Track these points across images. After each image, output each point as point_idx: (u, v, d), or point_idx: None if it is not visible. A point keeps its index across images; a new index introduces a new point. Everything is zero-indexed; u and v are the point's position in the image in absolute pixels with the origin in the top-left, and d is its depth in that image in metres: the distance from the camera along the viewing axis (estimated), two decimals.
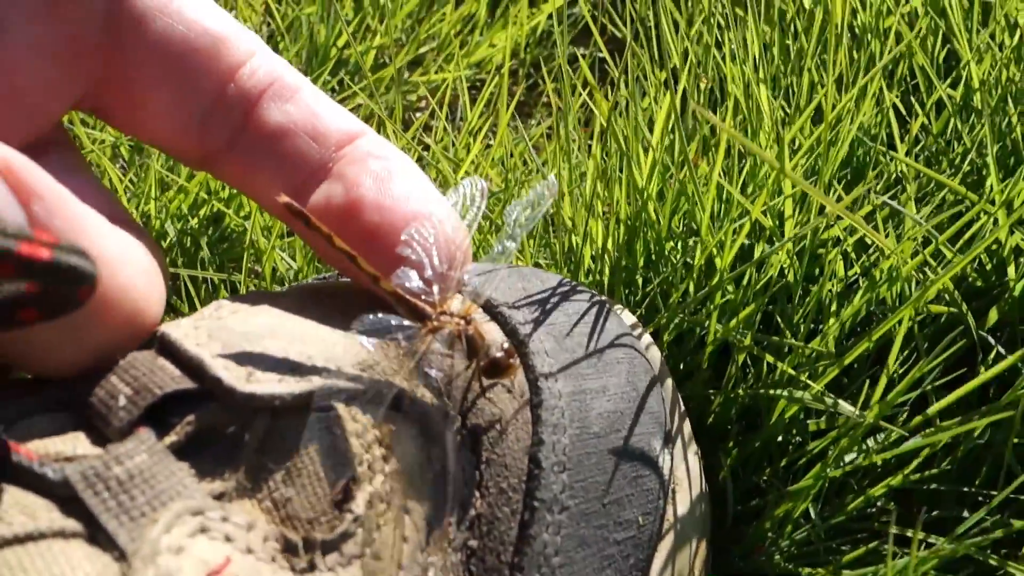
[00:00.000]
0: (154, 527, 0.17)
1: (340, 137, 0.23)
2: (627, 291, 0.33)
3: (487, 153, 0.39)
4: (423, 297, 0.22)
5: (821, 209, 0.30)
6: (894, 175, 0.35)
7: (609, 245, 0.32)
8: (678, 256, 0.33)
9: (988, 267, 0.31)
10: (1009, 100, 0.33)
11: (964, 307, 0.27)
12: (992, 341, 0.29)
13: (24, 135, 0.22)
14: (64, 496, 0.17)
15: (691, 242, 0.33)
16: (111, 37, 0.22)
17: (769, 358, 0.29)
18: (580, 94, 0.41)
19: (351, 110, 0.31)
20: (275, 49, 0.45)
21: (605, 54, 0.42)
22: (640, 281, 0.33)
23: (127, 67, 0.22)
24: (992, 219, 0.29)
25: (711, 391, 0.31)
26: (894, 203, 0.28)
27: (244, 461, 0.19)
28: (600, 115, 0.34)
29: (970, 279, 0.31)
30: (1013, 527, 0.24)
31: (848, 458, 0.27)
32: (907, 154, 0.34)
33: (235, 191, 0.38)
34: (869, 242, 0.32)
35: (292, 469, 0.20)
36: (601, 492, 0.23)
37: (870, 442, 0.28)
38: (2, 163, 0.17)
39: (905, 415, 0.29)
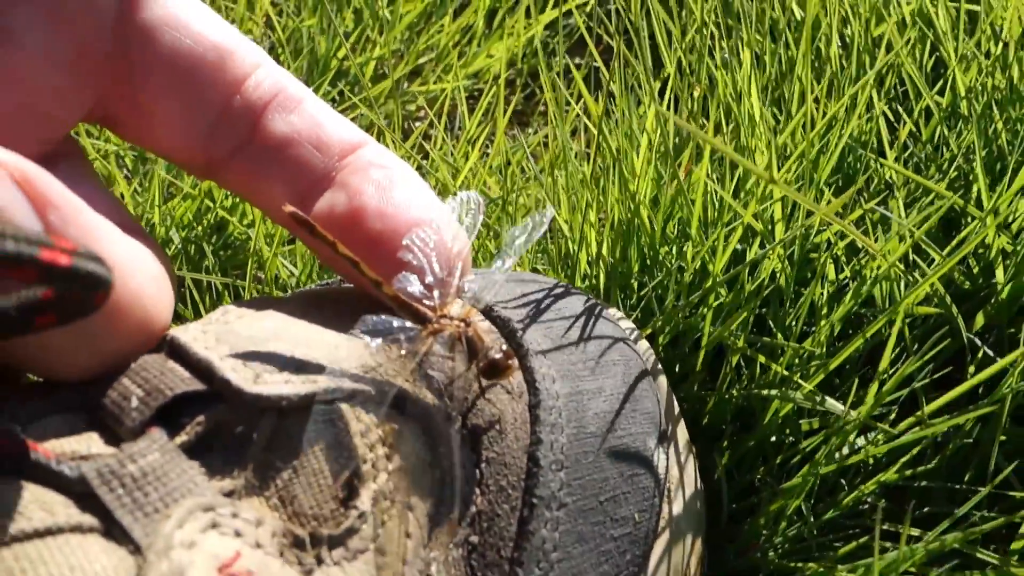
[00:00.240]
0: (167, 522, 0.18)
1: (343, 147, 0.24)
2: (623, 295, 0.34)
3: (485, 161, 0.39)
4: (424, 301, 0.23)
5: (809, 214, 0.31)
6: (884, 181, 0.35)
7: (604, 251, 0.33)
8: (672, 261, 0.33)
9: (975, 270, 0.32)
10: (994, 107, 0.34)
11: (953, 309, 0.28)
12: (979, 343, 0.30)
13: (37, 146, 0.22)
14: (80, 493, 0.18)
15: (685, 247, 0.33)
16: (120, 49, 0.23)
17: (762, 359, 0.30)
18: (575, 104, 0.42)
19: (351, 120, 0.32)
20: (276, 61, 0.46)
21: (600, 64, 0.42)
22: (635, 285, 0.34)
23: (136, 79, 0.23)
24: (980, 223, 0.29)
25: (706, 392, 0.31)
26: (882, 209, 0.28)
27: (252, 460, 0.20)
28: (591, 125, 0.35)
29: (958, 282, 0.31)
30: (998, 521, 0.24)
31: (839, 456, 0.28)
32: (896, 160, 0.35)
33: (238, 199, 0.38)
34: (859, 246, 0.33)
35: (299, 467, 0.20)
36: (598, 490, 0.23)
37: (861, 441, 0.29)
38: (19, 174, 0.17)
39: (895, 415, 0.29)
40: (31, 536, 0.16)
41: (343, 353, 0.22)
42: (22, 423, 0.19)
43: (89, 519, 0.17)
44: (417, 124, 0.49)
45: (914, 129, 0.37)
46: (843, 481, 0.29)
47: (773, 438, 0.30)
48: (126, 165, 0.42)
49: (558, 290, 0.27)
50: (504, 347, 0.24)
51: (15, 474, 0.17)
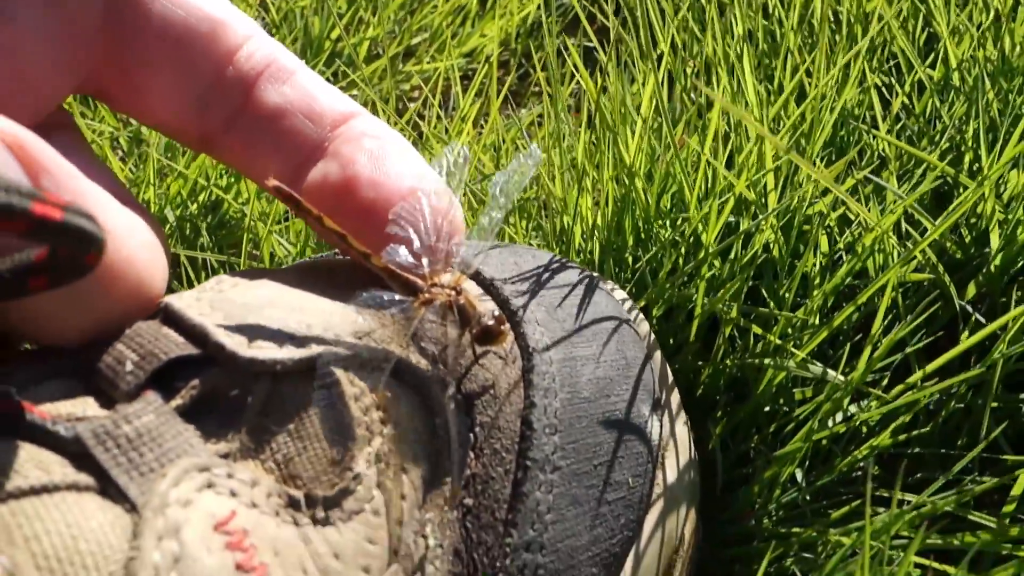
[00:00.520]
0: (163, 481, 0.18)
1: (335, 117, 0.24)
2: (617, 269, 0.34)
3: (479, 139, 0.40)
4: (414, 271, 0.23)
5: (804, 184, 0.31)
6: (877, 154, 0.36)
7: (599, 222, 0.33)
8: (666, 234, 0.34)
9: (967, 239, 0.32)
10: (986, 78, 0.34)
11: (945, 277, 0.28)
12: (971, 310, 0.30)
13: (28, 116, 0.22)
14: (76, 453, 0.18)
15: (679, 220, 0.33)
16: (112, 20, 0.23)
17: (756, 329, 0.30)
18: (570, 79, 0.42)
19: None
20: None
21: (595, 42, 0.42)
22: (630, 260, 0.34)
23: (128, 50, 0.23)
24: (977, 186, 0.29)
25: (699, 363, 0.31)
26: (875, 178, 0.29)
27: (247, 423, 0.20)
28: (589, 93, 0.35)
29: (950, 251, 0.32)
30: (990, 483, 0.25)
31: (833, 422, 0.28)
32: (888, 133, 0.35)
33: (233, 178, 0.38)
34: (852, 217, 0.33)
35: (293, 431, 0.20)
36: (592, 454, 0.23)
37: (854, 408, 0.29)
38: (12, 139, 0.18)
39: (887, 381, 0.30)
40: (27, 493, 0.16)
41: (337, 319, 0.23)
42: (18, 387, 0.19)
43: (85, 478, 0.17)
44: (411, 105, 0.49)
45: (906, 102, 0.37)
46: (837, 448, 0.30)
47: (767, 407, 0.31)
48: (121, 147, 0.42)
49: (553, 262, 0.28)
50: (496, 313, 0.24)
51: (11, 435, 0.17)
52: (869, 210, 0.33)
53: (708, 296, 0.31)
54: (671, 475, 0.26)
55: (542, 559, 0.22)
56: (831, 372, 0.28)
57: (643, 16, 0.34)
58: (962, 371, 0.30)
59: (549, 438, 0.23)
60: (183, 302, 0.22)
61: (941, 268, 0.29)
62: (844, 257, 0.33)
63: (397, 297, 0.23)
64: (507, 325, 0.23)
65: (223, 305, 0.22)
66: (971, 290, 0.31)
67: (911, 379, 0.27)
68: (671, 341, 0.32)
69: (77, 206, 0.16)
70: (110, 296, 0.20)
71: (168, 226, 0.37)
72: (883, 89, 0.39)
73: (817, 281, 0.31)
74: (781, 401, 0.31)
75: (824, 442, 0.29)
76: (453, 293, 0.24)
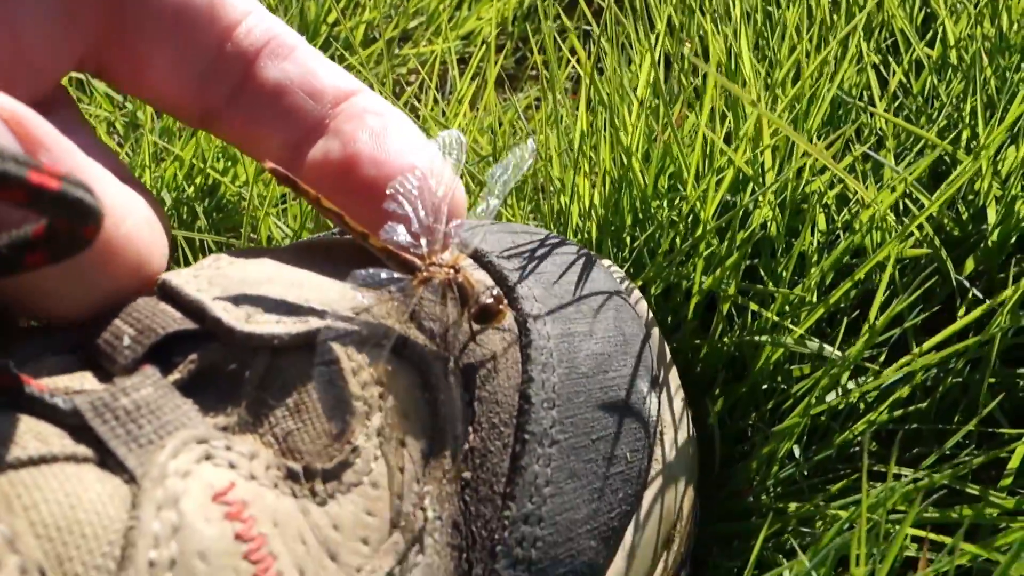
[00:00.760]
0: (161, 452, 0.18)
1: (336, 94, 0.24)
2: (615, 249, 0.34)
3: (476, 120, 0.39)
4: (411, 250, 0.23)
5: (801, 160, 0.31)
6: (875, 133, 0.36)
7: (596, 201, 0.33)
8: (664, 214, 0.33)
9: (965, 216, 0.32)
10: (984, 56, 0.34)
11: (943, 252, 0.28)
12: (968, 286, 0.30)
13: (28, 94, 0.22)
14: (74, 425, 0.18)
15: (676, 199, 0.33)
16: None
17: (754, 306, 0.30)
18: (567, 63, 0.42)
19: None
20: None
21: (593, 24, 0.42)
22: (628, 239, 0.34)
23: (128, 27, 0.23)
24: (974, 157, 0.29)
25: (697, 341, 0.32)
26: (872, 153, 0.28)
27: (245, 397, 0.20)
28: (584, 70, 0.35)
29: (948, 228, 0.32)
30: (986, 455, 0.25)
31: (831, 397, 0.28)
32: (886, 112, 0.35)
33: (229, 161, 0.38)
34: (850, 196, 0.33)
35: (292, 405, 0.20)
36: (590, 428, 0.24)
37: (851, 384, 0.29)
38: (10, 115, 0.18)
39: (885, 356, 0.30)
40: (26, 464, 0.16)
41: (335, 295, 0.23)
42: (17, 362, 0.19)
43: (83, 450, 0.17)
44: (408, 88, 0.49)
45: (904, 81, 0.37)
46: (834, 424, 0.30)
47: (765, 385, 0.31)
48: (117, 131, 0.42)
49: (550, 239, 0.28)
50: (495, 291, 0.24)
51: (10, 407, 0.17)
52: (867, 188, 0.33)
53: (706, 274, 0.31)
54: (669, 450, 0.26)
55: (540, 532, 0.22)
56: (828, 348, 0.28)
57: None
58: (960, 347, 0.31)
59: (547, 412, 0.23)
60: (180, 278, 0.22)
61: (938, 241, 0.29)
62: (842, 235, 0.33)
63: (395, 275, 0.23)
64: (505, 303, 0.23)
65: (221, 281, 0.22)
66: (969, 265, 0.31)
67: (911, 355, 0.27)
68: (669, 320, 0.32)
69: (75, 177, 0.16)
70: (110, 273, 0.20)
71: (166, 209, 0.37)
72: (881, 68, 0.39)
73: (815, 259, 0.31)
74: (779, 378, 0.31)
75: (822, 418, 0.29)
76: (451, 272, 0.24)
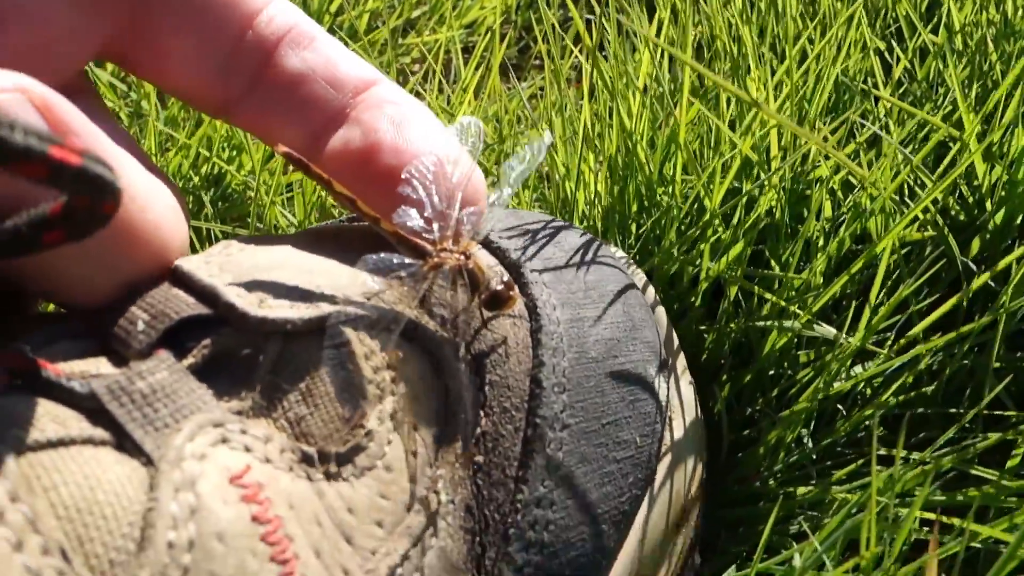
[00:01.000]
0: (178, 435, 0.18)
1: (357, 83, 0.24)
2: (620, 236, 0.34)
3: (481, 109, 0.39)
4: (423, 235, 0.23)
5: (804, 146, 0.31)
6: (879, 120, 0.36)
7: (601, 189, 0.33)
8: (669, 200, 0.34)
9: (970, 200, 0.32)
10: (989, 42, 0.34)
11: (946, 232, 0.28)
12: (974, 268, 0.30)
13: (52, 81, 0.22)
14: (91, 408, 0.18)
15: (682, 185, 0.33)
16: None
17: (760, 292, 0.30)
18: (571, 52, 0.42)
19: None
20: None
21: (597, 12, 0.42)
22: (633, 227, 0.34)
23: (150, 15, 0.23)
24: (966, 156, 0.29)
25: (704, 328, 0.32)
26: (875, 128, 0.29)
27: (259, 382, 0.20)
28: (588, 49, 0.35)
29: (953, 211, 0.32)
30: (993, 438, 0.25)
31: (838, 383, 0.28)
32: (891, 97, 0.35)
33: (235, 151, 0.38)
34: (855, 182, 0.33)
35: (305, 389, 0.20)
36: (600, 413, 0.24)
37: (858, 368, 0.29)
38: (40, 100, 0.18)
39: (891, 341, 0.30)
40: (44, 446, 0.17)
41: (346, 281, 0.23)
42: (33, 347, 0.19)
43: (101, 433, 0.17)
44: (413, 77, 0.49)
45: (909, 67, 0.37)
46: (841, 409, 0.30)
47: (771, 371, 0.31)
48: (121, 121, 0.42)
49: (558, 225, 0.28)
50: (505, 278, 0.24)
51: (28, 391, 0.17)
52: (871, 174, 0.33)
53: (713, 261, 0.31)
54: (678, 434, 0.26)
55: (552, 515, 0.22)
56: (835, 333, 0.28)
57: None
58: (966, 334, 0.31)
59: (558, 396, 0.23)
60: (192, 264, 0.22)
61: (941, 221, 0.29)
62: (847, 220, 0.33)
63: (406, 261, 0.23)
64: (516, 290, 0.23)
65: (232, 267, 0.22)
66: (975, 247, 0.31)
67: (913, 331, 0.28)
68: (676, 306, 0.32)
69: (95, 153, 0.16)
70: (135, 258, 0.20)
71: None
72: (885, 54, 0.39)
73: (820, 244, 0.31)
74: (786, 364, 0.31)
75: (828, 403, 0.30)
76: (462, 258, 0.24)
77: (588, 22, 0.51)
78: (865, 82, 0.36)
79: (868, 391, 0.30)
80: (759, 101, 0.26)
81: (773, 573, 0.25)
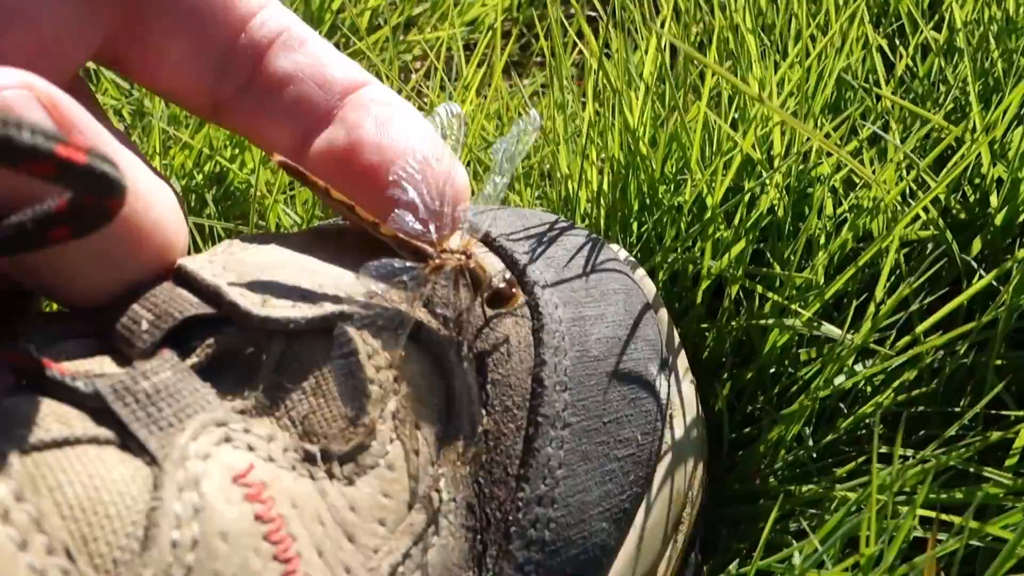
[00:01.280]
0: (182, 435, 0.18)
1: (346, 85, 0.24)
2: (622, 234, 0.34)
3: (483, 106, 0.40)
4: (422, 236, 0.23)
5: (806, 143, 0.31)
6: (881, 117, 0.36)
7: (604, 187, 0.33)
8: (671, 198, 0.34)
9: (972, 199, 0.32)
10: (991, 39, 0.34)
11: (947, 233, 0.28)
12: (975, 267, 0.30)
13: (51, 81, 0.22)
14: (95, 408, 0.18)
15: (683, 186, 0.33)
16: None
17: (761, 290, 0.30)
18: (572, 48, 0.42)
19: None
20: None
21: (599, 9, 0.42)
22: (635, 225, 0.34)
23: (144, 15, 0.23)
24: (973, 149, 0.30)
25: (705, 326, 0.32)
26: (881, 132, 0.29)
27: (262, 381, 0.20)
28: (591, 57, 0.35)
29: (954, 210, 0.32)
30: (993, 437, 0.25)
31: (838, 381, 0.28)
32: (893, 95, 0.35)
33: (237, 149, 0.39)
34: (857, 180, 0.33)
35: (308, 388, 0.21)
36: (601, 411, 0.24)
37: (858, 367, 0.29)
38: (47, 98, 0.18)
39: (892, 339, 0.30)
40: (49, 446, 0.17)
41: (348, 280, 0.23)
42: (37, 347, 0.19)
43: (105, 432, 0.18)
44: (415, 75, 0.49)
45: (911, 64, 0.37)
46: (842, 407, 0.30)
47: (772, 369, 0.31)
48: (124, 119, 0.42)
49: (559, 224, 0.28)
50: (507, 276, 0.24)
51: (32, 390, 0.18)
52: (874, 174, 0.33)
53: (714, 259, 0.31)
54: (679, 432, 0.26)
55: (554, 513, 0.22)
56: (836, 330, 0.28)
57: None
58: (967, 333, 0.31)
59: (560, 395, 0.23)
60: (196, 263, 0.22)
61: (942, 222, 0.29)
62: (848, 219, 0.33)
63: (408, 264, 0.23)
64: (518, 288, 0.23)
65: (236, 266, 0.22)
66: (976, 246, 0.31)
67: (919, 328, 0.28)
68: (677, 305, 0.32)
69: (100, 150, 0.16)
70: (138, 256, 0.20)
71: None
72: (887, 52, 0.39)
73: (822, 241, 0.31)
74: (787, 362, 0.31)
75: (829, 401, 0.30)
76: (463, 258, 0.24)
77: (590, 19, 0.51)
78: (867, 80, 0.36)
79: (869, 389, 0.30)
80: (762, 96, 0.26)
81: (773, 571, 0.25)
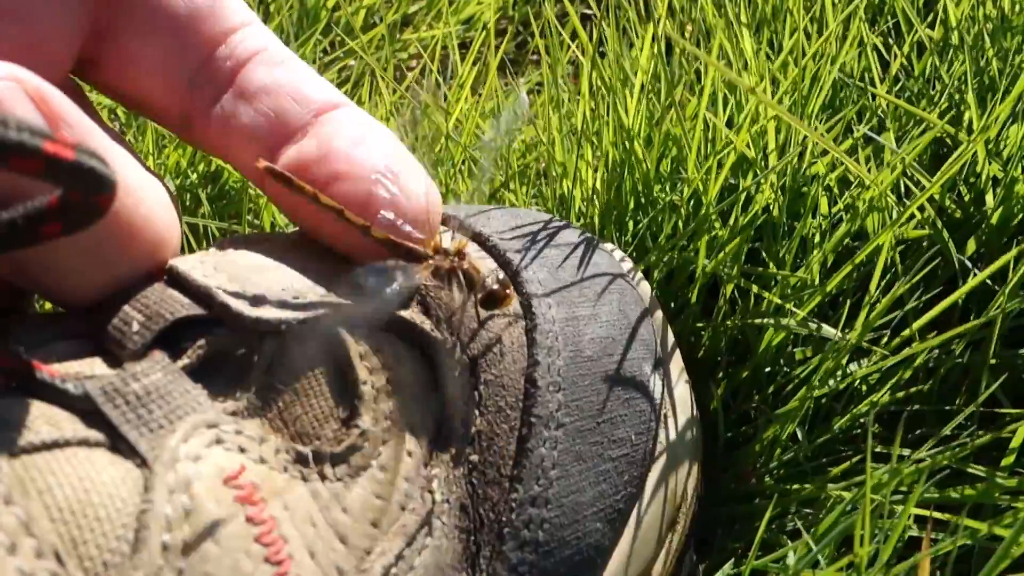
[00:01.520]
0: (172, 436, 0.18)
1: (322, 104, 0.24)
2: (617, 233, 0.34)
3: (478, 104, 0.39)
4: (412, 237, 0.23)
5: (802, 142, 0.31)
6: (876, 116, 0.36)
7: (599, 185, 0.33)
8: (666, 197, 0.34)
9: (967, 198, 0.32)
10: (986, 37, 0.34)
11: (943, 231, 0.28)
12: (970, 265, 0.30)
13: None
14: (85, 410, 0.18)
15: (678, 183, 0.33)
16: None
17: (756, 289, 0.30)
18: (569, 45, 0.42)
19: (344, 69, 0.32)
20: (266, 11, 0.46)
21: (594, 8, 0.42)
22: (630, 224, 0.34)
23: (123, 19, 0.23)
24: (970, 143, 0.29)
25: (700, 325, 0.32)
26: (872, 134, 0.29)
27: (254, 382, 0.20)
28: (584, 56, 0.35)
29: (950, 210, 0.32)
30: (988, 436, 0.25)
31: (833, 380, 0.28)
32: (888, 94, 0.35)
33: None
34: (852, 179, 0.33)
35: (299, 389, 0.20)
36: (595, 411, 0.24)
37: (853, 366, 0.29)
38: (35, 92, 0.18)
39: (886, 339, 0.30)
40: (39, 448, 0.17)
41: (339, 281, 0.23)
42: (27, 348, 0.19)
43: (95, 434, 0.18)
44: (410, 73, 0.49)
45: (906, 63, 0.37)
46: (837, 406, 0.30)
47: (767, 368, 0.31)
48: (119, 118, 0.42)
49: (553, 223, 0.28)
50: (500, 277, 0.24)
51: (22, 392, 0.18)
52: (869, 171, 0.33)
53: (709, 258, 0.31)
54: (673, 432, 0.26)
55: (547, 514, 0.22)
56: (830, 329, 0.28)
57: None
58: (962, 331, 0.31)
59: (553, 395, 0.23)
60: (187, 264, 0.22)
61: (939, 223, 0.29)
62: (844, 218, 0.33)
63: (401, 265, 0.23)
64: (511, 289, 0.23)
65: (227, 267, 0.22)
66: (971, 246, 0.31)
67: (914, 326, 0.27)
68: (672, 304, 0.32)
69: (88, 147, 0.16)
70: (130, 253, 0.20)
71: None
72: (882, 50, 0.39)
73: (817, 240, 0.31)
74: (781, 361, 0.31)
75: (824, 400, 0.30)
76: (456, 259, 0.24)
77: (584, 17, 0.51)
78: (862, 79, 0.36)
79: (864, 388, 0.30)
80: (755, 89, 0.26)
81: (768, 570, 0.25)
